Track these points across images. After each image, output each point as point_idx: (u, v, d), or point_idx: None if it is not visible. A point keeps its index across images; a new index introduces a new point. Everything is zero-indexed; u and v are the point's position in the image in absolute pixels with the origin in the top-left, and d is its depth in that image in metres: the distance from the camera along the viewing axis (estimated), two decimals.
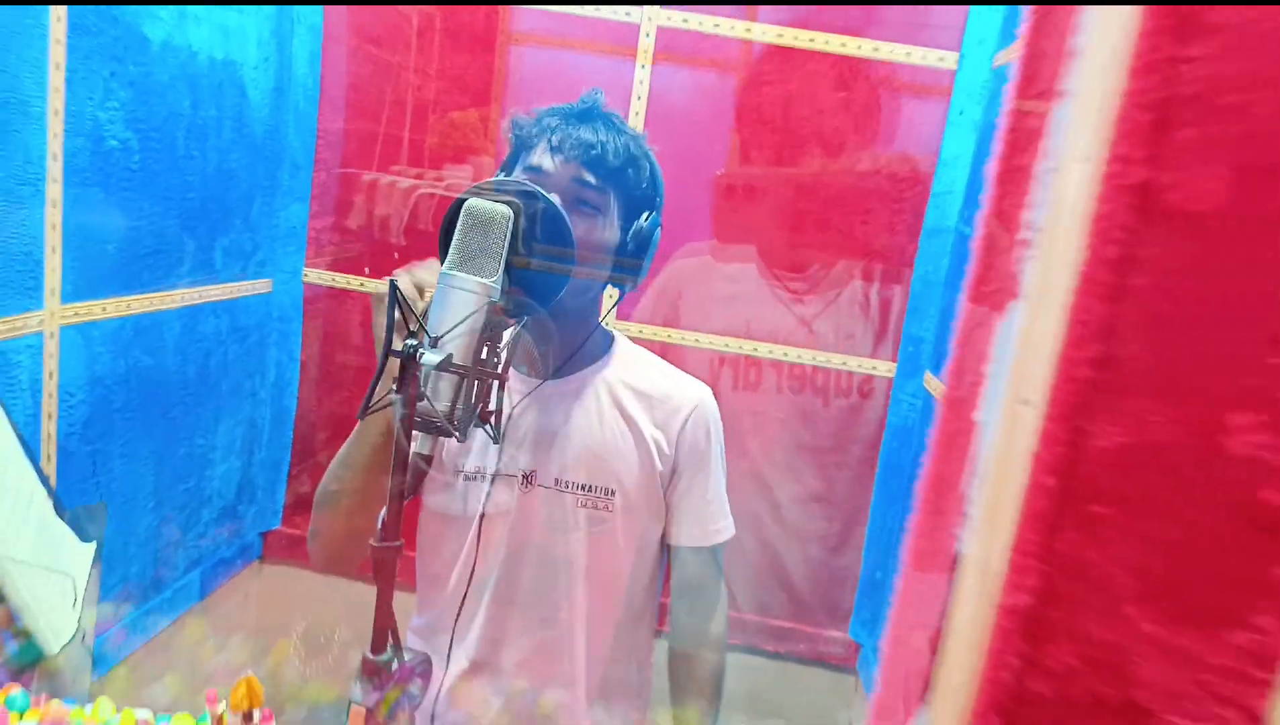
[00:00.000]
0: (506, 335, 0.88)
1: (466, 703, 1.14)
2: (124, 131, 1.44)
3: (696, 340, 1.91)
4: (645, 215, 1.11)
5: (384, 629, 0.76)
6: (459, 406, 0.82)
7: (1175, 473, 0.39)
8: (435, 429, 0.82)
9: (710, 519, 1.19)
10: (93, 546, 0.98)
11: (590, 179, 1.06)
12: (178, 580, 1.80)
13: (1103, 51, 0.37)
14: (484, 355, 0.85)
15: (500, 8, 1.90)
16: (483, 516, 1.12)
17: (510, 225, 0.85)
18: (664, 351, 1.88)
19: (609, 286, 1.18)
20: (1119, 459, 0.39)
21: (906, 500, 1.75)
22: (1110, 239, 0.37)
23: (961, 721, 0.43)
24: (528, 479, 1.12)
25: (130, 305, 1.52)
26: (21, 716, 0.57)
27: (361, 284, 2.00)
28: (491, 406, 0.87)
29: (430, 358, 0.76)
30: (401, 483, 0.80)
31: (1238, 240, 0.37)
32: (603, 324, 1.20)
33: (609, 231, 1.09)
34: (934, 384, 1.74)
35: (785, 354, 1.89)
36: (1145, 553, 0.40)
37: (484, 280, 0.83)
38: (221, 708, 0.55)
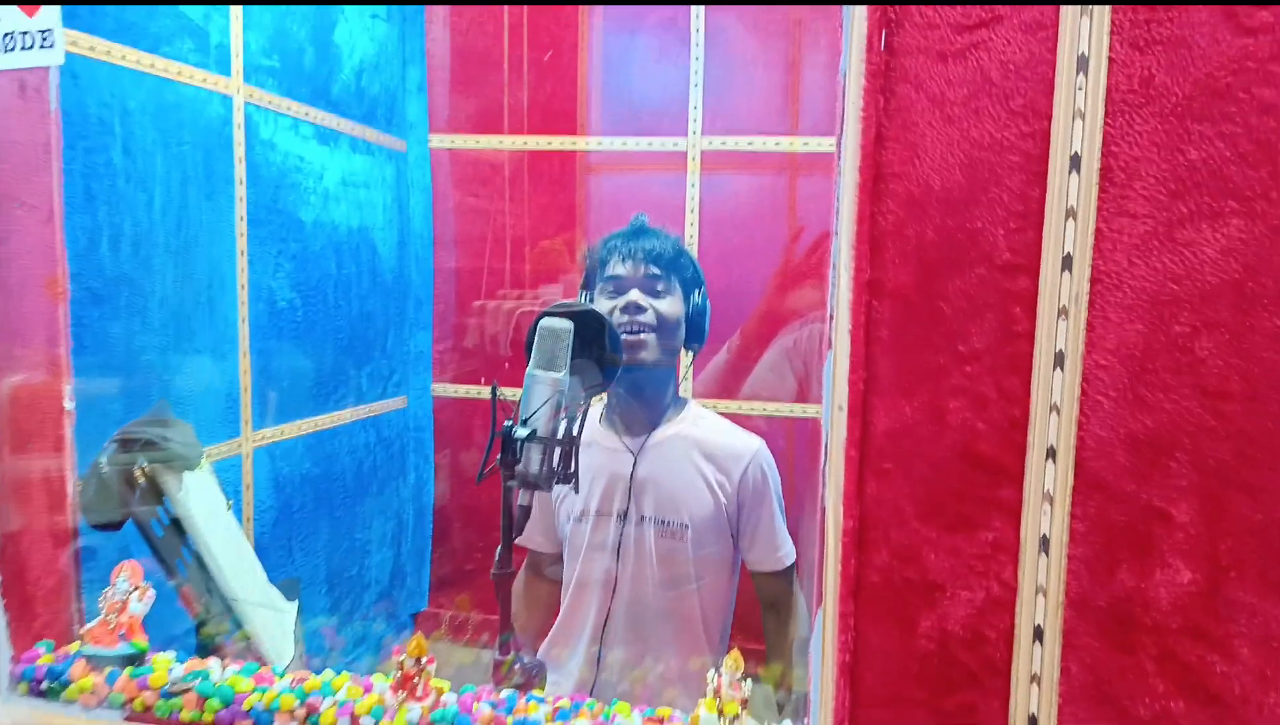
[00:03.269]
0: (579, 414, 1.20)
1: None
2: (290, 293, 1.86)
3: None
4: (697, 292, 1.44)
5: (505, 629, 1.07)
6: (545, 467, 1.13)
7: (922, 438, 0.66)
8: (530, 485, 1.14)
9: (776, 547, 1.45)
10: (296, 604, 1.33)
11: (656, 271, 1.42)
12: (348, 655, 2.15)
13: (845, 208, 0.66)
14: (561, 430, 1.16)
15: (577, 152, 2.29)
16: (588, 549, 1.43)
17: (571, 334, 1.17)
18: None
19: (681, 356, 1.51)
20: (889, 434, 0.67)
21: None
22: (860, 310, 0.66)
23: (835, 608, 0.70)
24: (621, 517, 1.43)
25: (301, 428, 1.92)
26: (280, 677, 0.91)
27: (480, 392, 2.38)
28: (571, 468, 1.18)
29: (520, 432, 1.09)
30: (510, 526, 1.12)
31: (924, 305, 0.65)
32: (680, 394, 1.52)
33: (678, 306, 1.42)
34: None
35: None
36: (915, 489, 0.67)
37: (555, 375, 1.16)
38: (402, 656, 0.86)
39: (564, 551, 1.52)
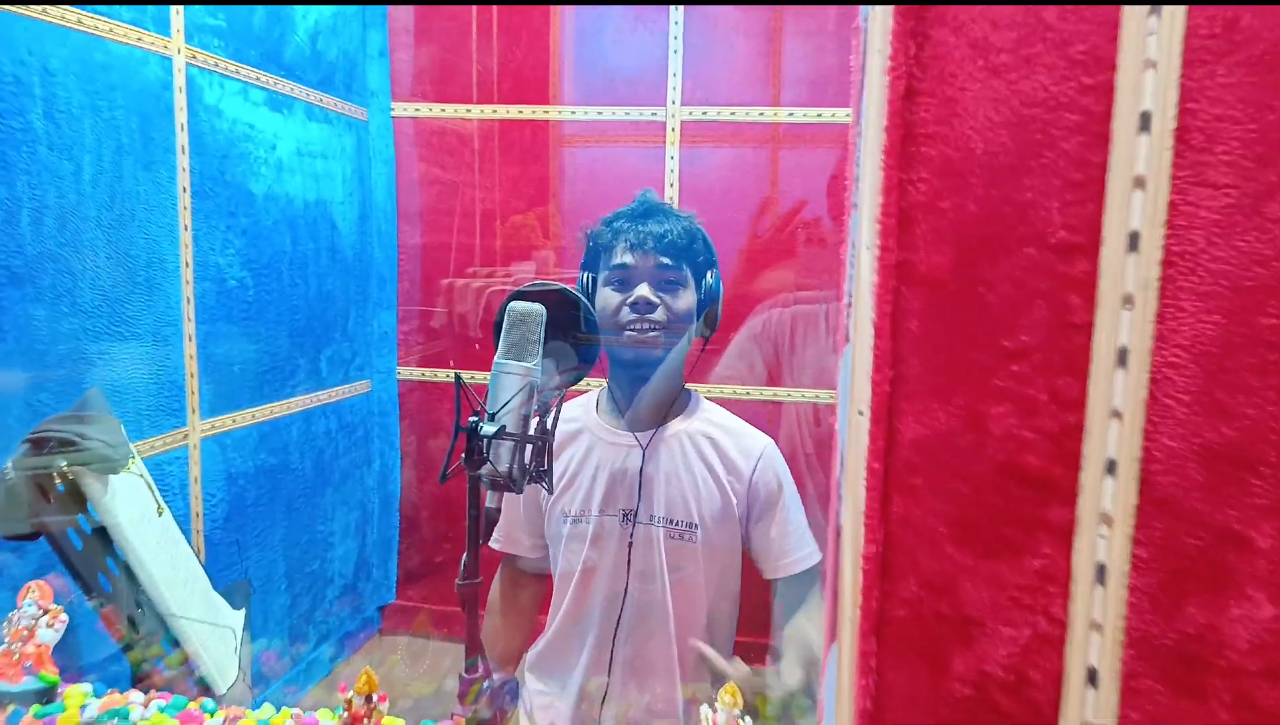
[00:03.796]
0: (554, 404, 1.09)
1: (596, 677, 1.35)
2: (240, 272, 1.73)
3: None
4: (710, 274, 1.32)
5: (472, 648, 0.96)
6: (515, 467, 1.02)
7: (958, 449, 0.56)
8: (499, 486, 1.02)
9: (790, 552, 1.35)
10: (243, 612, 1.22)
11: (667, 261, 1.30)
12: (310, 654, 2.04)
13: (868, 177, 0.56)
14: (533, 424, 1.05)
15: (550, 121, 2.16)
16: (590, 549, 1.32)
17: (544, 319, 1.06)
18: None
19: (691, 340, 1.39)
20: (919, 444, 0.57)
21: None
22: (886, 297, 0.55)
23: (854, 646, 0.60)
24: (628, 516, 1.32)
25: (255, 415, 1.80)
26: (211, 715, 0.80)
27: (448, 376, 2.26)
28: (545, 465, 1.07)
29: (487, 429, 0.98)
30: (477, 532, 1.01)
31: (963, 292, 0.55)
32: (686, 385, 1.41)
33: (690, 298, 1.31)
34: None
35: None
36: (949, 506, 0.57)
37: (527, 364, 1.04)
38: (349, 694, 0.76)
39: (555, 554, 1.40)
